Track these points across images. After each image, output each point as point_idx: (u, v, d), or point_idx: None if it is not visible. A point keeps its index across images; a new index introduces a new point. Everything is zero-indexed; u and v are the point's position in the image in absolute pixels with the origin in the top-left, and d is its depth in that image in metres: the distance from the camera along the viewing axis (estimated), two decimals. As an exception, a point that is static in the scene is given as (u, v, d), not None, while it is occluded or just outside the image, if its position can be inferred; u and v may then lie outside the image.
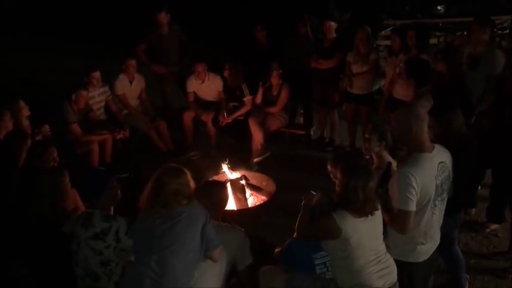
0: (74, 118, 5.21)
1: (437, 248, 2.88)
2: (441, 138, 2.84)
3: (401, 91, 4.78)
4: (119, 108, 5.93)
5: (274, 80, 5.85)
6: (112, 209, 3.07)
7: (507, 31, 7.05)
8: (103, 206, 2.98)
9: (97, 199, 2.98)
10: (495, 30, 6.82)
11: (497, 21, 7.00)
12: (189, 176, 2.82)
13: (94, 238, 2.84)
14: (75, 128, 5.21)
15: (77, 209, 3.56)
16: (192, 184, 2.81)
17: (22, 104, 4.59)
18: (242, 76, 6.05)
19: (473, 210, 4.55)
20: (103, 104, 5.76)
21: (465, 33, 6.79)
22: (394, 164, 3.21)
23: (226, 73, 6.04)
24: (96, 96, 5.63)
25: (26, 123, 4.61)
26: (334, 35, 5.90)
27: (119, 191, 3.07)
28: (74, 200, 3.62)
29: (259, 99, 5.99)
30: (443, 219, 2.84)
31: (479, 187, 4.60)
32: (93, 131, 5.42)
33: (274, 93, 5.92)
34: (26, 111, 4.61)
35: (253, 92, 6.04)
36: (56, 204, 3.34)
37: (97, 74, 5.54)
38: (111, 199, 3.04)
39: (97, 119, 5.59)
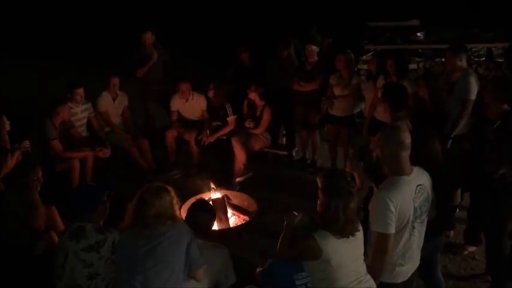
0: (55, 134, 5.15)
1: (417, 269, 2.91)
2: (416, 160, 2.89)
3: (383, 113, 4.88)
4: (101, 125, 5.90)
5: (258, 102, 5.92)
6: (101, 224, 3.03)
7: (483, 59, 7.27)
8: (94, 221, 2.94)
9: (90, 213, 2.93)
10: (472, 57, 7.07)
11: (473, 49, 7.22)
12: (172, 194, 2.82)
13: (88, 250, 2.79)
14: (56, 144, 5.15)
15: (52, 228, 3.49)
16: (176, 202, 2.81)
17: (4, 119, 4.55)
18: (226, 96, 6.11)
19: (452, 233, 4.62)
20: (85, 121, 5.74)
21: (443, 60, 7.00)
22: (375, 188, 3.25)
23: (210, 93, 6.09)
24: (78, 113, 5.61)
25: (5, 138, 4.56)
26: (316, 58, 6.01)
27: (108, 207, 3.04)
28: (48, 218, 3.54)
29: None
30: (425, 242, 2.88)
31: (458, 210, 4.70)
32: (74, 148, 5.36)
33: (257, 114, 5.98)
34: (7, 127, 4.58)
35: (236, 112, 6.09)
36: (27, 224, 3.26)
37: (81, 91, 5.53)
38: (102, 214, 3.01)
39: (79, 135, 5.54)
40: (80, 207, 2.95)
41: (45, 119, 5.14)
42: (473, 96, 4.41)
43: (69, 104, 5.49)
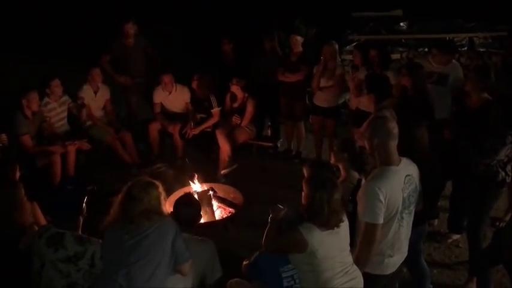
0: (26, 129, 4.98)
1: (404, 260, 2.92)
2: (403, 150, 2.89)
3: (367, 104, 4.88)
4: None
5: (238, 94, 5.88)
6: (80, 224, 2.90)
7: (465, 48, 7.34)
8: (73, 227, 2.79)
9: (71, 222, 2.79)
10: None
11: (455, 39, 7.29)
12: (160, 189, 2.78)
13: (65, 261, 2.64)
14: (26, 139, 4.97)
15: (35, 224, 3.42)
16: (163, 198, 2.78)
17: None
18: (210, 88, 6.05)
19: (436, 221, 4.67)
20: (65, 114, 5.61)
21: (426, 49, 7.07)
22: (363, 180, 3.25)
23: (194, 84, 6.02)
24: (57, 107, 5.48)
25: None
26: (300, 49, 5.98)
27: (86, 209, 2.90)
28: (32, 213, 3.47)
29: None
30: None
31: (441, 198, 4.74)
32: (45, 142, 5.19)
33: (239, 107, 5.93)
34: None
35: (220, 104, 6.04)
36: (12, 219, 3.19)
37: (57, 82, 5.40)
38: (81, 216, 2.87)
39: (51, 130, 5.40)
40: (59, 215, 2.80)
41: (16, 112, 4.97)
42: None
43: (47, 99, 5.37)
